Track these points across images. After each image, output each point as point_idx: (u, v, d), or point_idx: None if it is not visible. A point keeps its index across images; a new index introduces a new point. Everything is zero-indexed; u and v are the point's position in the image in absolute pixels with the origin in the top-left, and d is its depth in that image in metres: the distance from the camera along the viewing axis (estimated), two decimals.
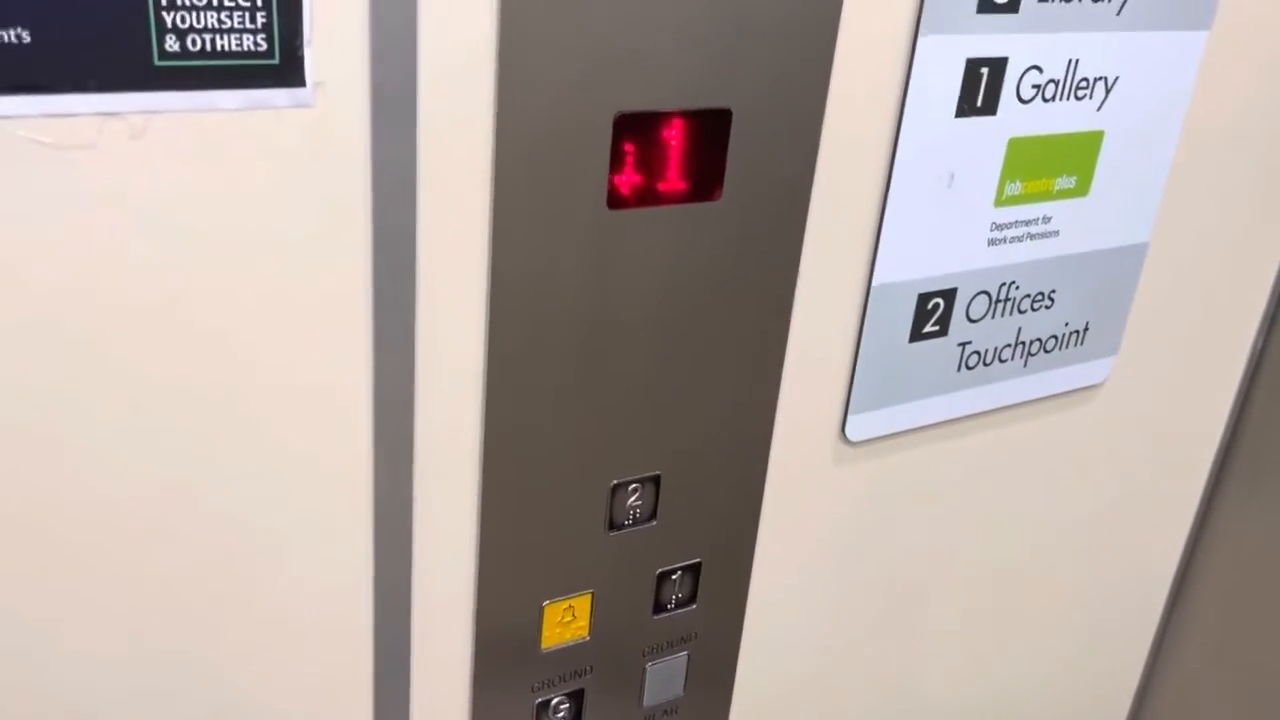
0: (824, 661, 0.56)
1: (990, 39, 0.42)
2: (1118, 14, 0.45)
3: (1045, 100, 0.45)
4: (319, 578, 0.39)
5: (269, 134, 0.31)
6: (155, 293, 0.32)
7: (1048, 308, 0.52)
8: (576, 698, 0.47)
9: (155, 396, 0.33)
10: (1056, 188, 0.48)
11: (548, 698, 0.46)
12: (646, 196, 0.38)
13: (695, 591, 0.48)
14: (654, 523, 0.45)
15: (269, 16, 0.29)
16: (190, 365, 0.33)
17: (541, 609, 0.44)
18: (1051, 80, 0.45)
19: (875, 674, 0.59)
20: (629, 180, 0.38)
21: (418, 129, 0.33)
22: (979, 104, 0.44)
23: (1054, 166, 0.48)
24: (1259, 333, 0.63)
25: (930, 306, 0.48)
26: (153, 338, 0.32)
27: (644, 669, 0.49)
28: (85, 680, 0.36)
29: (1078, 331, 0.54)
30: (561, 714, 0.47)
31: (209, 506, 0.35)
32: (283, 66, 0.30)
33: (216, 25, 0.29)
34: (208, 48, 0.29)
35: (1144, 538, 0.68)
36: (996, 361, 0.52)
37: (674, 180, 0.39)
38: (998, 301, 0.50)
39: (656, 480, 0.44)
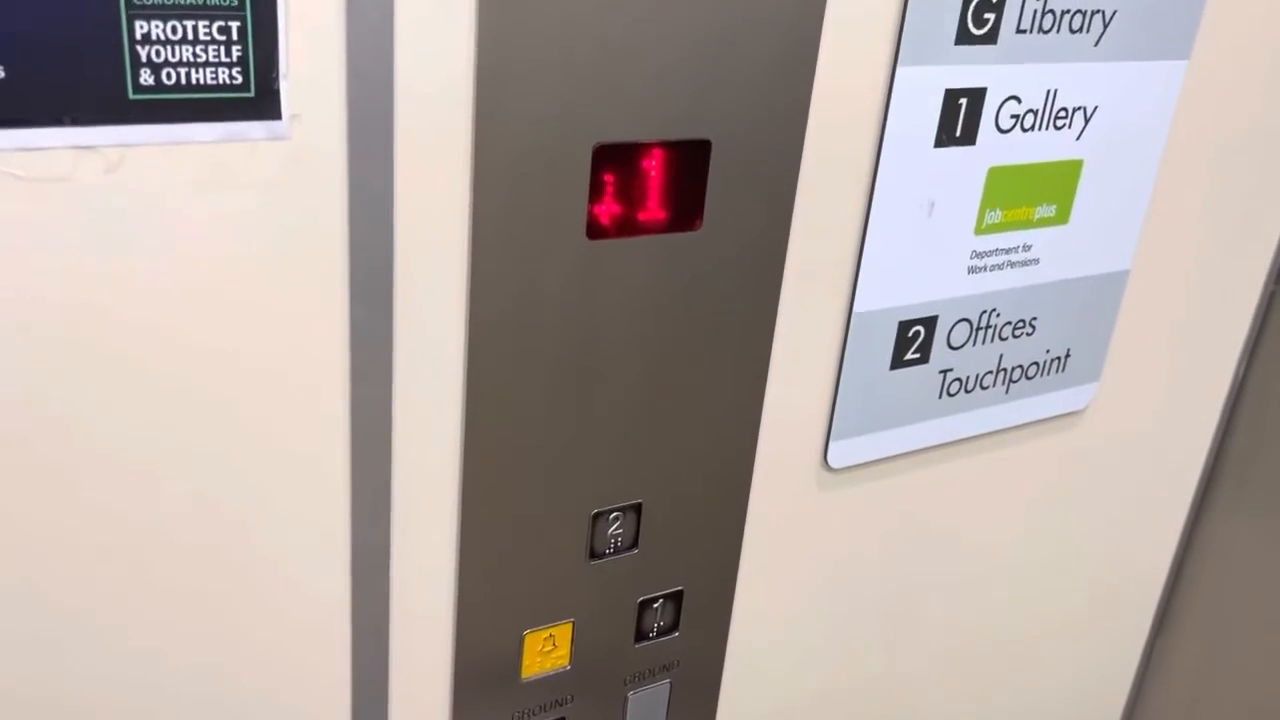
0: (807, 688, 0.56)
1: (969, 70, 0.43)
2: (1096, 45, 0.46)
3: (1024, 130, 0.46)
4: (296, 609, 0.38)
5: (244, 166, 0.31)
6: (129, 330, 0.31)
7: (1029, 335, 0.52)
8: None
9: (125, 439, 0.33)
10: (1036, 216, 0.49)
11: None
12: (626, 226, 0.38)
13: (678, 619, 0.48)
14: (635, 551, 0.45)
15: (244, 50, 0.29)
16: (162, 406, 0.33)
17: (522, 638, 0.44)
18: (1030, 110, 0.45)
19: (860, 700, 0.59)
20: (609, 210, 0.38)
21: (395, 162, 0.33)
22: (958, 134, 0.44)
23: (1034, 195, 0.48)
24: (1241, 358, 0.64)
25: (911, 334, 0.48)
26: (130, 375, 0.32)
27: (626, 698, 0.48)
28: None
29: (1059, 358, 0.54)
30: None
31: (186, 539, 0.35)
32: (258, 99, 0.30)
33: (191, 59, 0.29)
34: (183, 81, 0.29)
35: (1129, 560, 0.68)
36: (978, 388, 0.52)
37: (654, 210, 0.39)
38: (979, 329, 0.50)
39: (638, 508, 0.44)
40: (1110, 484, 0.62)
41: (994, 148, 0.45)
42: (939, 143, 0.43)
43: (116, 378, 0.32)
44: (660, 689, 0.49)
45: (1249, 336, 0.63)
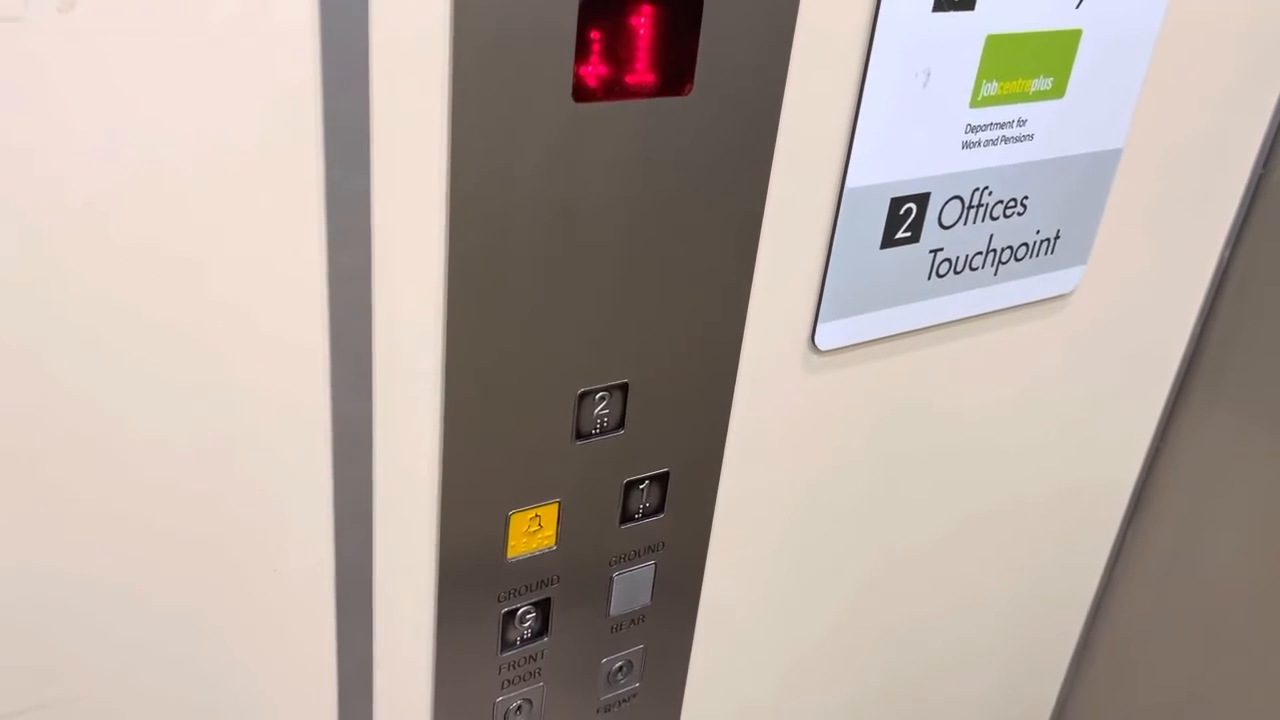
0: (791, 571, 0.56)
1: None
2: None
3: None
4: (276, 491, 0.37)
5: (209, 10, 0.29)
6: (85, 186, 0.30)
7: (1020, 214, 0.51)
8: (543, 607, 0.47)
9: (79, 306, 0.31)
10: (1033, 89, 0.47)
11: (514, 607, 0.46)
12: (614, 89, 0.37)
13: (663, 501, 0.48)
14: (621, 432, 0.44)
15: None
16: (121, 269, 0.31)
17: (507, 518, 0.44)
18: None
19: (842, 582, 0.59)
20: (595, 72, 0.36)
21: (369, 13, 0.31)
22: None
23: (1031, 66, 0.46)
24: (1226, 242, 0.63)
25: (903, 211, 0.47)
26: (88, 229, 0.30)
27: (611, 579, 0.48)
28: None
29: (1048, 240, 0.53)
30: (528, 624, 0.47)
31: (161, 420, 0.34)
32: None
33: None
34: None
35: (1108, 445, 0.68)
36: (967, 270, 0.51)
37: (642, 73, 0.37)
38: (970, 207, 0.49)
39: (624, 388, 0.44)
40: (1094, 367, 0.62)
41: (993, 13, 0.43)
42: (938, 6, 0.42)
43: (72, 234, 0.30)
44: (645, 570, 0.49)
45: (1236, 219, 0.62)
